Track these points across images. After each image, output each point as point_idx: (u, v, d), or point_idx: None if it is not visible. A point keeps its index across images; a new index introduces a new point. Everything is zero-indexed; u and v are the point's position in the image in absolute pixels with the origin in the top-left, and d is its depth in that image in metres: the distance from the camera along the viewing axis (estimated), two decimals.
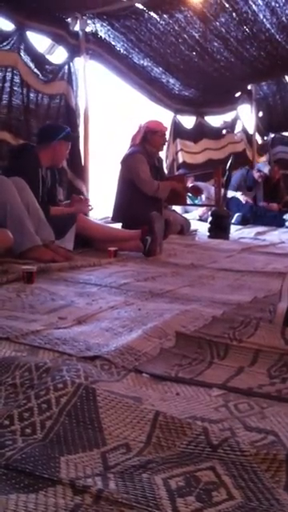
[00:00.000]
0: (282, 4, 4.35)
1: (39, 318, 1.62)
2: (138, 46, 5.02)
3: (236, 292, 2.15)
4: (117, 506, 0.66)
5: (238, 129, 7.65)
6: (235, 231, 4.94)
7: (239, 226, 5.47)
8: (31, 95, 4.21)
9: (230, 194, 5.66)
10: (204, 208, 5.80)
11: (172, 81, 5.91)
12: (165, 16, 4.56)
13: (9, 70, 3.99)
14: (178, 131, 6.71)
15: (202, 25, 4.68)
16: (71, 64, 4.64)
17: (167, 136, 4.51)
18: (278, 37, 4.94)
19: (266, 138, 8.28)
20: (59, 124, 4.12)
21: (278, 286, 1.66)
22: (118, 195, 4.09)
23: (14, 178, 2.80)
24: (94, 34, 4.77)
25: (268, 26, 4.73)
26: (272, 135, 8.33)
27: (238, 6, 4.41)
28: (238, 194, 6.06)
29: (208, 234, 4.47)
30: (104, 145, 5.70)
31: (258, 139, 8.05)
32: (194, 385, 1.11)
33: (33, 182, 2.97)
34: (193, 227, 4.77)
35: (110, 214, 4.22)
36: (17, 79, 4.06)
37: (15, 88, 4.06)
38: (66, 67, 4.59)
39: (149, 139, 4.10)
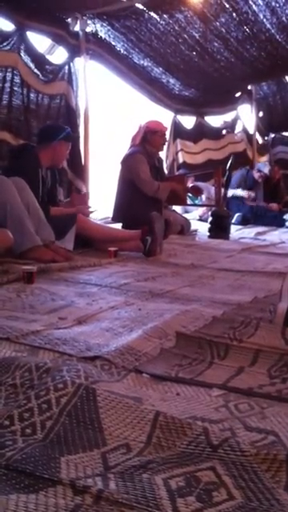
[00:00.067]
0: (282, 4, 4.35)
1: (39, 318, 1.62)
2: (138, 46, 5.02)
3: (236, 292, 2.15)
4: (117, 507, 0.66)
5: (238, 129, 7.65)
6: (235, 231, 4.94)
7: (239, 226, 5.47)
8: (31, 95, 4.22)
9: (231, 192, 5.65)
10: (204, 208, 5.80)
11: (172, 81, 5.92)
12: (165, 16, 4.56)
13: (9, 70, 4.00)
14: (178, 131, 6.71)
15: (202, 25, 4.69)
16: (71, 64, 4.65)
17: (167, 136, 4.51)
18: (278, 37, 4.94)
19: (266, 137, 8.28)
20: (59, 124, 4.12)
21: (278, 286, 1.66)
22: (118, 195, 4.09)
23: (13, 178, 2.80)
24: (94, 34, 4.77)
25: (268, 26, 4.73)
26: (272, 135, 8.33)
27: (239, 6, 4.42)
28: (239, 191, 6.05)
29: (208, 234, 4.47)
30: (104, 145, 5.71)
31: (259, 139, 8.05)
32: (194, 385, 1.11)
33: (33, 182, 2.97)
34: (193, 227, 4.77)
35: (110, 214, 4.22)
36: (17, 79, 4.06)
37: (15, 88, 4.06)
38: (66, 67, 4.60)
39: (149, 139, 4.10)
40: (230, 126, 7.49)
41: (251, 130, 7.79)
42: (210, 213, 4.68)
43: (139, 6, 4.37)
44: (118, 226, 3.95)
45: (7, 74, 3.99)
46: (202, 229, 4.84)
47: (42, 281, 2.22)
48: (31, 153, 3.17)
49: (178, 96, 6.32)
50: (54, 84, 4.45)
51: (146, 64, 5.40)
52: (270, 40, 5.01)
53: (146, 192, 3.95)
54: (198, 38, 4.92)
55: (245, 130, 7.73)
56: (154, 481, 0.72)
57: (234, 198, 5.91)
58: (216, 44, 5.07)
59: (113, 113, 6.38)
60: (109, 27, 4.71)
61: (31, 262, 2.45)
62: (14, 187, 2.73)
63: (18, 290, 1.99)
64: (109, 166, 4.96)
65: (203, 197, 5.74)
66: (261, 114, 7.76)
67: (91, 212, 3.55)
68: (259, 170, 6.44)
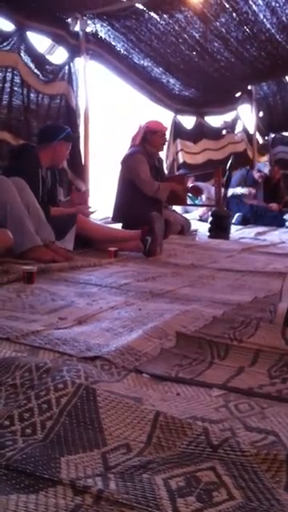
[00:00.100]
0: (282, 4, 4.35)
1: (39, 318, 1.62)
2: (139, 46, 5.02)
3: (236, 292, 2.15)
4: (117, 507, 0.66)
5: (238, 129, 7.65)
6: (235, 231, 4.94)
7: (239, 226, 5.47)
8: (31, 95, 4.22)
9: (230, 191, 5.65)
10: (204, 208, 5.80)
11: (172, 81, 5.92)
12: (165, 16, 4.56)
13: (9, 70, 4.00)
14: (179, 131, 6.72)
15: (202, 25, 4.69)
16: (71, 64, 4.65)
17: (167, 136, 4.51)
18: (278, 37, 4.94)
19: (266, 137, 8.28)
20: (59, 124, 4.12)
21: (278, 286, 1.66)
22: (119, 195, 4.09)
23: (14, 178, 2.80)
24: (95, 35, 4.77)
25: (268, 26, 4.73)
26: (272, 135, 8.33)
27: (239, 6, 4.42)
28: (239, 189, 6.05)
29: (208, 234, 4.47)
30: (104, 145, 5.71)
31: (259, 139, 8.05)
32: (194, 385, 1.11)
33: (33, 182, 2.97)
34: (193, 227, 4.77)
35: (110, 215, 4.22)
36: (17, 79, 4.06)
37: (15, 88, 4.06)
38: (67, 67, 4.60)
39: (149, 139, 4.10)
40: (230, 126, 7.49)
41: (251, 130, 7.80)
42: (210, 213, 4.68)
43: (139, 6, 4.37)
44: (118, 226, 3.95)
45: (7, 74, 3.99)
46: (202, 229, 4.84)
47: (42, 281, 2.22)
48: (31, 153, 3.17)
49: (178, 96, 6.32)
50: (54, 84, 4.45)
51: (146, 64, 5.40)
52: (270, 40, 5.01)
53: (146, 192, 3.95)
54: (198, 38, 4.92)
55: (245, 130, 7.73)
56: (154, 481, 0.72)
57: (234, 197, 5.90)
58: (216, 44, 5.07)
59: (113, 113, 6.39)
60: (109, 27, 4.71)
61: (31, 262, 2.45)
62: (14, 187, 2.73)
63: (18, 290, 1.99)
64: (109, 166, 4.96)
65: (203, 197, 5.74)
66: (261, 114, 7.76)
67: (91, 212, 3.55)
68: (259, 170, 6.44)
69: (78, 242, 3.10)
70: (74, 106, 4.69)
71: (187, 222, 4.65)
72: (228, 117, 7.49)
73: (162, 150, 4.44)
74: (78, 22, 4.56)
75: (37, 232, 2.74)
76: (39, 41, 4.36)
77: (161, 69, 5.57)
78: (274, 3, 4.35)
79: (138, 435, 0.85)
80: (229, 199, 5.39)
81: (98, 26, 4.68)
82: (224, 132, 7.35)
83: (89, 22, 4.61)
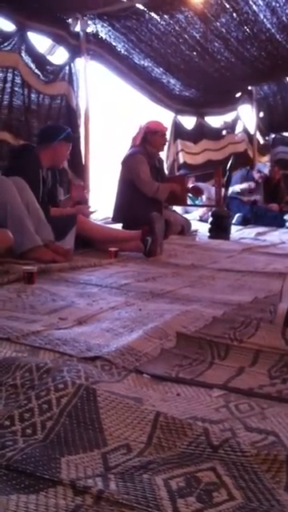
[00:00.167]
0: (282, 4, 4.35)
1: (40, 318, 1.62)
2: (139, 47, 5.03)
3: (236, 292, 2.15)
4: (117, 507, 0.66)
5: (238, 129, 7.65)
6: (236, 231, 4.94)
7: (240, 227, 5.47)
8: (32, 96, 4.22)
9: (230, 190, 5.64)
10: (204, 208, 5.80)
11: (172, 81, 5.92)
12: (165, 16, 4.56)
13: (10, 70, 4.00)
14: (179, 132, 6.72)
15: (202, 25, 4.69)
16: (72, 64, 4.65)
17: (167, 136, 4.51)
18: (278, 37, 4.94)
19: (267, 138, 8.28)
20: (60, 125, 4.13)
21: (278, 287, 1.66)
22: (119, 196, 4.09)
23: (14, 178, 2.80)
24: (95, 35, 4.78)
25: (268, 26, 4.73)
26: (273, 135, 8.33)
27: (239, 7, 4.42)
28: (237, 186, 6.05)
29: (208, 234, 4.47)
30: (104, 145, 5.71)
31: (260, 139, 8.05)
32: (194, 385, 1.11)
33: (33, 182, 2.96)
34: (193, 228, 4.77)
35: (111, 215, 4.22)
36: (18, 80, 4.07)
37: (16, 89, 4.07)
38: (67, 68, 4.61)
39: (149, 140, 4.10)
40: (231, 127, 7.49)
41: (252, 131, 7.80)
42: (210, 213, 4.68)
43: (140, 6, 4.37)
44: (119, 226, 3.95)
45: (8, 74, 3.99)
46: (202, 229, 4.84)
47: (42, 281, 2.22)
48: (32, 153, 3.17)
49: (179, 96, 6.33)
50: (54, 84, 4.45)
51: (146, 64, 5.40)
52: (270, 40, 5.01)
53: (146, 192, 3.95)
54: (198, 38, 4.92)
55: (245, 131, 7.73)
56: (154, 481, 0.72)
57: (234, 197, 5.90)
58: (216, 44, 5.07)
59: (113, 113, 6.39)
60: (109, 27, 4.71)
61: (31, 263, 2.45)
62: (14, 187, 2.73)
63: (19, 291, 1.99)
64: (109, 167, 4.96)
65: (203, 197, 5.74)
66: (261, 114, 7.76)
67: (91, 212, 3.55)
68: (259, 171, 6.44)
69: (78, 242, 3.10)
70: (75, 106, 4.69)
71: (187, 223, 4.65)
72: (228, 117, 7.50)
73: (162, 150, 4.44)
74: (79, 23, 4.57)
75: (36, 232, 2.73)
76: (40, 41, 4.37)
77: (161, 69, 5.57)
78: (274, 3, 4.35)
79: (139, 435, 0.85)
80: (229, 199, 5.39)
81: (99, 26, 4.69)
82: (224, 132, 7.35)
83: (89, 22, 4.61)
